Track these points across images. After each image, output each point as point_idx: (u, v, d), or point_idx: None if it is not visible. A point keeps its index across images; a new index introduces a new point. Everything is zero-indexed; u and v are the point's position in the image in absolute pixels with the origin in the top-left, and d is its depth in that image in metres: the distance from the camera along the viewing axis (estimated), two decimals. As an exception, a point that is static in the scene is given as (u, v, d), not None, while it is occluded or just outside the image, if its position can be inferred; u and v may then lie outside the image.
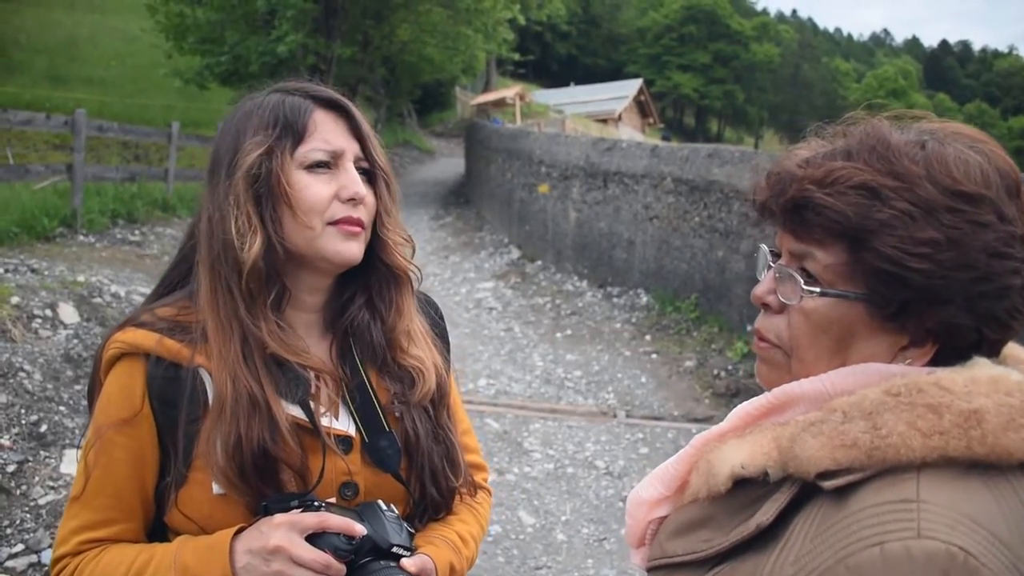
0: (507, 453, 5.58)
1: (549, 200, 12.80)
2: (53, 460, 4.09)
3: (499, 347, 8.82)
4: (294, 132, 1.20)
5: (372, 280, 1.31)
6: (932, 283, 0.82)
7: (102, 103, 18.51)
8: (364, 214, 1.23)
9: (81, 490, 1.19)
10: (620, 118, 41.12)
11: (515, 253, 13.89)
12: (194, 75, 19.35)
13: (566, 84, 51.75)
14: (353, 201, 1.21)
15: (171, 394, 1.18)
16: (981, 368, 0.84)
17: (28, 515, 3.71)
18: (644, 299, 10.12)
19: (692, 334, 9.04)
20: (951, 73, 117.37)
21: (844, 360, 0.90)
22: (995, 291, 0.83)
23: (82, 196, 9.65)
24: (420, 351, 1.34)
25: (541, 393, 7.23)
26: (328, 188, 1.21)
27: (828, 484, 0.79)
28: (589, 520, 4.66)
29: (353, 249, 1.23)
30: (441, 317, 1.52)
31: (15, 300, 5.39)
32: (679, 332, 9.08)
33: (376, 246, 1.29)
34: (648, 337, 9.09)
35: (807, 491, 0.83)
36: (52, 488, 3.91)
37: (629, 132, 36.33)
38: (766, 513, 0.84)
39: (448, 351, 1.48)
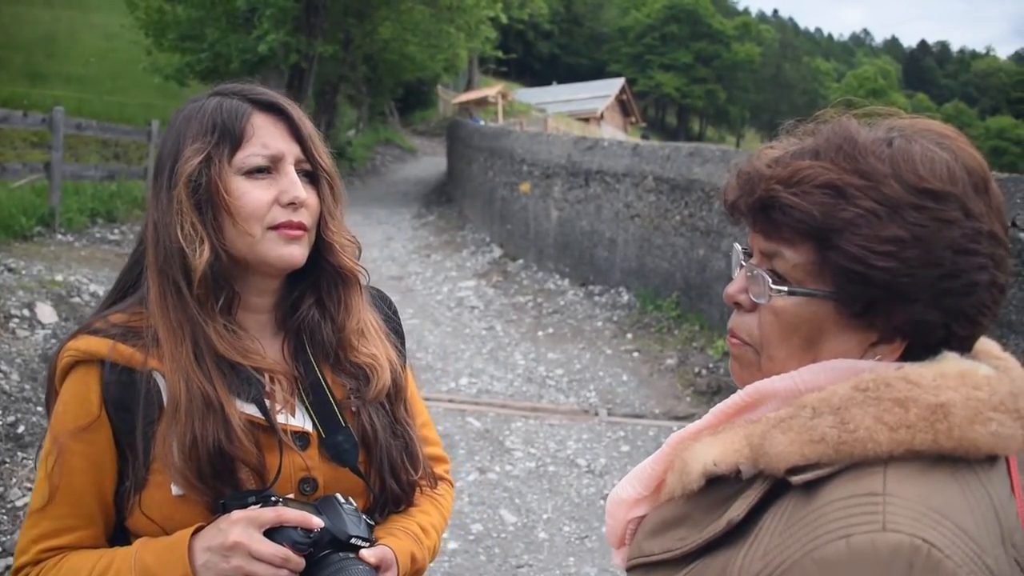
0: (489, 452, 5.59)
1: (531, 199, 12.81)
2: (31, 461, 4.05)
3: (481, 346, 8.82)
4: (232, 138, 1.20)
5: (321, 280, 1.32)
6: (898, 280, 0.83)
7: (81, 100, 18.33)
8: (306, 217, 1.24)
9: (40, 499, 1.20)
10: (602, 117, 41.24)
11: (497, 252, 13.89)
12: (174, 72, 19.21)
13: (548, 83, 51.74)
14: (293, 205, 1.22)
15: (127, 399, 1.18)
16: (950, 362, 0.85)
17: (5, 517, 3.68)
18: (625, 297, 10.16)
19: (673, 332, 9.08)
20: (930, 73, 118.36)
21: (815, 358, 0.91)
22: (961, 287, 0.84)
23: (60, 195, 9.56)
24: (373, 347, 1.35)
25: (523, 392, 7.24)
26: (268, 193, 1.21)
27: (796, 479, 0.81)
28: (570, 518, 4.67)
29: (295, 253, 1.23)
30: (395, 312, 1.52)
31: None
32: (660, 330, 9.11)
33: (321, 248, 1.29)
34: (629, 335, 9.13)
35: (778, 487, 0.84)
36: (30, 490, 3.88)
37: (611, 131, 36.43)
38: (737, 510, 0.85)
39: (403, 345, 1.48)
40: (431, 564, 1.39)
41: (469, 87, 38.39)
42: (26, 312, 5.44)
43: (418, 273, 12.55)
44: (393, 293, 8.18)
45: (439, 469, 1.51)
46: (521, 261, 12.97)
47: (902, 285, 0.83)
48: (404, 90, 32.33)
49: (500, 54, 27.55)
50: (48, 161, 9.54)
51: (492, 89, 33.77)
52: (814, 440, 0.81)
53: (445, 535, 4.37)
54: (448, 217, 17.60)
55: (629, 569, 1.01)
